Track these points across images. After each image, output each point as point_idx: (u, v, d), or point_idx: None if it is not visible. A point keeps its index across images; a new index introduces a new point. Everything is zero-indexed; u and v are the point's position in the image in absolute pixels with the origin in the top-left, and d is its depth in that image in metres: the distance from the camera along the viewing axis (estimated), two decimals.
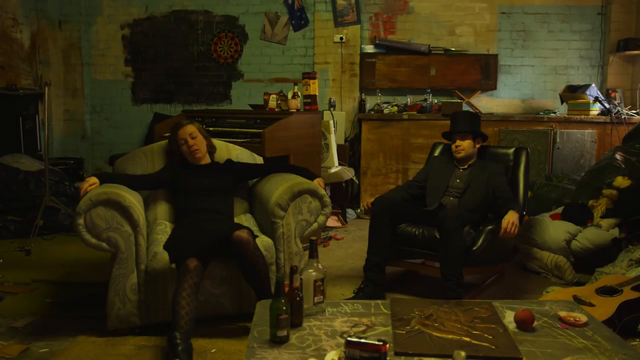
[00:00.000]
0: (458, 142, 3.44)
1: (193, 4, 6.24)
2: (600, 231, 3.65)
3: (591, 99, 5.31)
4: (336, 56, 5.96)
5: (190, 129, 3.09)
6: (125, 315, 2.66)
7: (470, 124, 3.47)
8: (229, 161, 3.25)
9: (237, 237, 2.60)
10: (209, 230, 2.72)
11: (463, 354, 1.60)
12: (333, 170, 4.98)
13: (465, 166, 3.46)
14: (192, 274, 2.49)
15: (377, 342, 1.64)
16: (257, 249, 2.64)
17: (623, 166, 3.86)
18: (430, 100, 5.68)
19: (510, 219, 3.00)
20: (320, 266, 2.11)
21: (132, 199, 2.69)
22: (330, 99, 5.82)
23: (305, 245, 2.96)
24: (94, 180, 2.77)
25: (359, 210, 5.58)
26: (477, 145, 3.48)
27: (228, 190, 3.11)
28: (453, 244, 3.00)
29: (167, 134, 4.22)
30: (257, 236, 2.80)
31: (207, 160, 3.16)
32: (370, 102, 5.89)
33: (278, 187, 2.96)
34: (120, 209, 2.62)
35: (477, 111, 5.68)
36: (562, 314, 2.05)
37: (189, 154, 3.08)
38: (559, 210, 4.03)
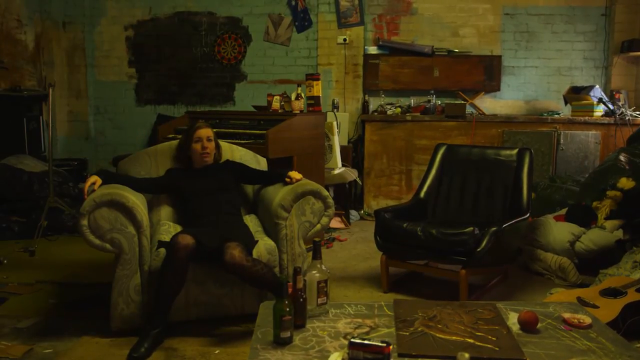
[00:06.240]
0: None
1: (196, 6, 6.25)
2: (604, 233, 3.64)
3: (595, 100, 5.29)
4: (339, 57, 5.96)
5: (209, 132, 3.12)
6: (129, 316, 2.66)
7: None
8: (227, 161, 3.25)
9: (229, 259, 2.54)
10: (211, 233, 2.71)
11: (467, 355, 1.60)
12: (336, 171, 4.98)
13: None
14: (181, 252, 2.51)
15: (380, 344, 1.64)
16: (254, 264, 2.59)
17: (627, 167, 3.85)
18: (434, 101, 5.68)
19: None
20: (323, 267, 2.11)
21: (136, 200, 2.69)
22: (333, 100, 5.82)
23: (308, 246, 2.96)
24: (95, 178, 2.77)
25: (362, 212, 5.58)
26: None
27: (230, 188, 3.10)
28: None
29: (170, 135, 4.24)
30: (257, 240, 2.80)
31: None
32: (374, 104, 5.88)
33: (281, 188, 2.96)
34: (124, 210, 2.62)
35: (481, 112, 5.67)
36: (566, 315, 2.05)
37: (198, 155, 3.08)
38: (563, 211, 4.03)
